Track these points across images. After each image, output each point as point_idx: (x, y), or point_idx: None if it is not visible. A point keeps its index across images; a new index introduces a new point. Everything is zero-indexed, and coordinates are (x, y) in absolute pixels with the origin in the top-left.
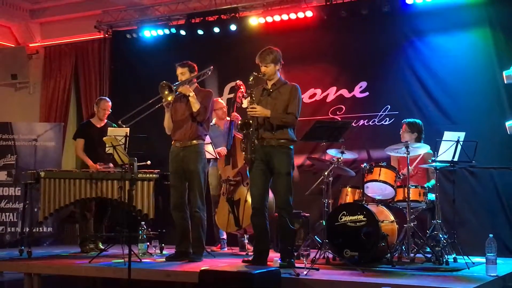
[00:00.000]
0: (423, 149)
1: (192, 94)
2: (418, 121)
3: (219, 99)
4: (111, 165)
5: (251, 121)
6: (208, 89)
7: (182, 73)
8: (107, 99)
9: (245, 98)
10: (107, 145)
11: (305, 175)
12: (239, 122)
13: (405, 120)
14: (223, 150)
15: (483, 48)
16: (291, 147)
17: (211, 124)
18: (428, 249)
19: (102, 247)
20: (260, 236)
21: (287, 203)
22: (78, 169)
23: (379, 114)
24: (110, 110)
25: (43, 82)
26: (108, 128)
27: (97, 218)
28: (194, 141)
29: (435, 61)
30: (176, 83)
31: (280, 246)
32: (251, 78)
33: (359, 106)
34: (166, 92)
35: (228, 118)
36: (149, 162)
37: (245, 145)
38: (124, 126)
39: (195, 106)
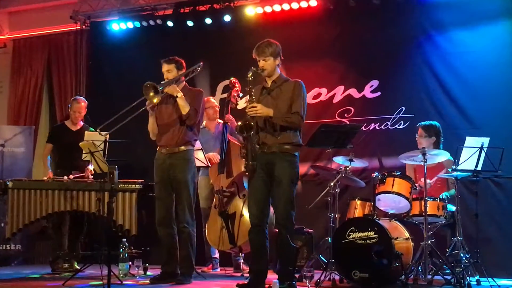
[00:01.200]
0: (442, 156)
1: (180, 95)
2: (434, 123)
3: (211, 98)
4: (88, 172)
5: (252, 123)
6: (198, 89)
7: (168, 70)
8: (81, 99)
9: (241, 98)
10: (84, 152)
11: (309, 186)
12: (239, 123)
13: (420, 123)
14: (214, 156)
15: (509, 43)
16: (296, 154)
17: (201, 127)
18: (448, 270)
19: (77, 267)
20: (257, 255)
21: (287, 219)
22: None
23: (393, 116)
24: (84, 111)
25: (11, 80)
26: (85, 132)
27: (72, 234)
28: (182, 147)
29: (456, 57)
30: (162, 82)
31: (279, 266)
32: (250, 74)
33: (369, 108)
34: (151, 94)
35: (220, 121)
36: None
37: (246, 151)
38: (103, 134)
39: (184, 108)
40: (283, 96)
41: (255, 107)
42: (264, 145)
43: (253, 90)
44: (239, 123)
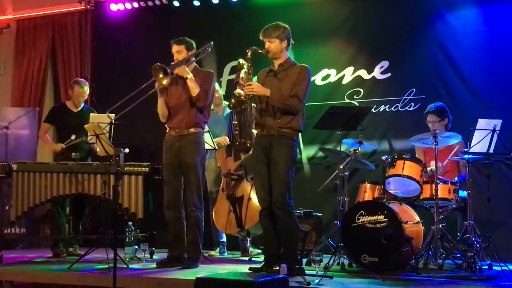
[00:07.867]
0: (454, 139)
1: (190, 76)
2: (441, 104)
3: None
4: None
5: (243, 97)
6: (208, 70)
7: (178, 51)
8: (82, 83)
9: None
10: (89, 134)
11: (317, 169)
12: (232, 99)
13: (429, 108)
14: (225, 139)
15: None
16: (296, 138)
17: None
18: (459, 255)
19: (79, 251)
20: (266, 239)
21: (283, 202)
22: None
23: (403, 98)
24: (87, 95)
25: (15, 61)
26: (91, 114)
27: (74, 218)
28: (192, 129)
29: (468, 37)
30: (172, 63)
31: (283, 250)
32: (249, 52)
33: (379, 89)
34: (161, 76)
35: (227, 102)
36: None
37: (239, 127)
38: (111, 117)
39: (194, 90)
40: (288, 80)
41: (251, 85)
42: (263, 127)
43: (251, 69)
44: (232, 99)
